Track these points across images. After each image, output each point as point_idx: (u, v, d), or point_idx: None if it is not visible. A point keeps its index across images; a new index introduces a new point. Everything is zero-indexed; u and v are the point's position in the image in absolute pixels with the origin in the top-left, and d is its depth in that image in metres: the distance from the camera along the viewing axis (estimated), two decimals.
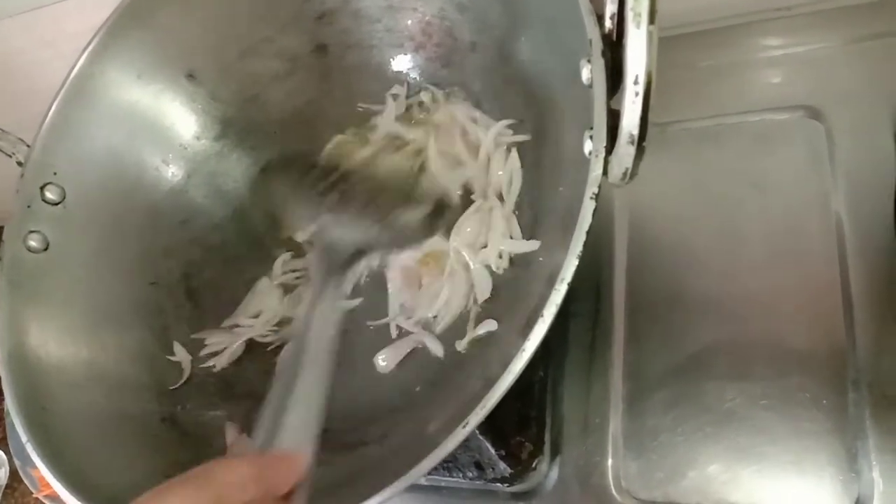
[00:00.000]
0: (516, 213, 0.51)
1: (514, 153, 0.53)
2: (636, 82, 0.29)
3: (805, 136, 0.54)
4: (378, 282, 0.56)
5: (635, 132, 0.30)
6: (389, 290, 0.55)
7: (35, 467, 0.65)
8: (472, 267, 0.52)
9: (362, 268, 0.53)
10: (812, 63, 0.57)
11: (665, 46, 0.59)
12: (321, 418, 0.36)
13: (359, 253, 0.47)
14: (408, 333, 0.53)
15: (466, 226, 0.53)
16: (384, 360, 0.53)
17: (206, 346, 0.56)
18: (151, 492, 0.27)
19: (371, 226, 0.49)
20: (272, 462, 0.32)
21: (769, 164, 0.54)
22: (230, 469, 0.29)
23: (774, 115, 0.56)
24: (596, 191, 0.33)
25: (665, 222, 0.56)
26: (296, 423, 0.34)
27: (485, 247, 0.52)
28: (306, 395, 0.36)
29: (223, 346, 0.56)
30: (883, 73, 0.54)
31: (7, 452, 0.75)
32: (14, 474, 0.74)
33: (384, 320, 0.54)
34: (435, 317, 0.53)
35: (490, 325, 0.49)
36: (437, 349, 0.51)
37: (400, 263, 0.54)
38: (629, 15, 0.28)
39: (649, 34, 0.28)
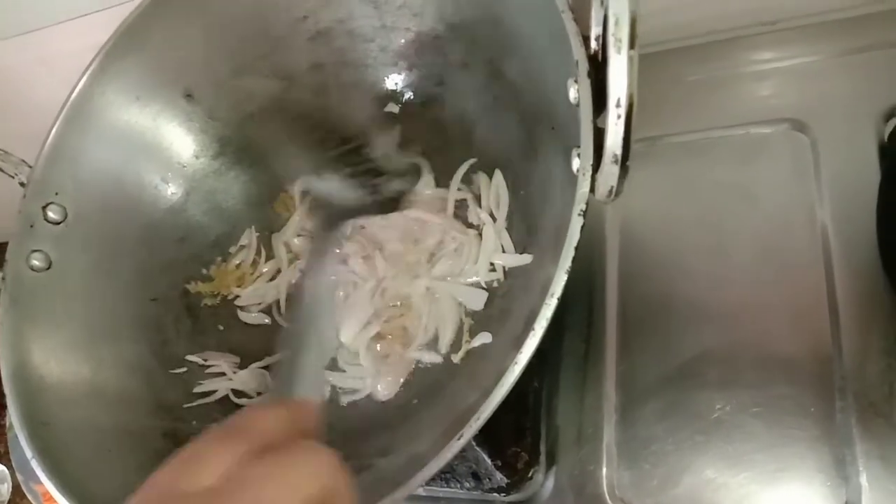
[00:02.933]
0: (508, 227, 0.53)
1: (498, 173, 0.54)
2: (618, 105, 0.30)
3: (791, 149, 0.55)
4: None
5: (619, 152, 0.32)
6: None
7: (38, 483, 0.66)
8: (453, 289, 0.54)
9: (350, 226, 0.58)
10: (797, 76, 0.58)
11: (653, 61, 0.61)
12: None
13: (350, 212, 0.52)
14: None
15: (441, 265, 0.55)
16: (384, 390, 0.53)
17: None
18: (192, 445, 0.28)
19: (362, 191, 0.53)
20: (296, 406, 0.33)
21: (756, 176, 0.55)
22: (265, 417, 0.30)
23: (760, 128, 0.57)
24: (584, 208, 0.34)
25: (655, 234, 0.57)
26: (308, 372, 0.37)
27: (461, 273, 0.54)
28: (316, 346, 0.38)
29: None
30: (867, 85, 0.55)
31: (9, 468, 0.75)
32: (17, 489, 0.74)
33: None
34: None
35: (485, 338, 0.50)
36: (434, 357, 0.53)
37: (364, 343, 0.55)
38: (610, 40, 0.29)
39: (630, 59, 0.29)
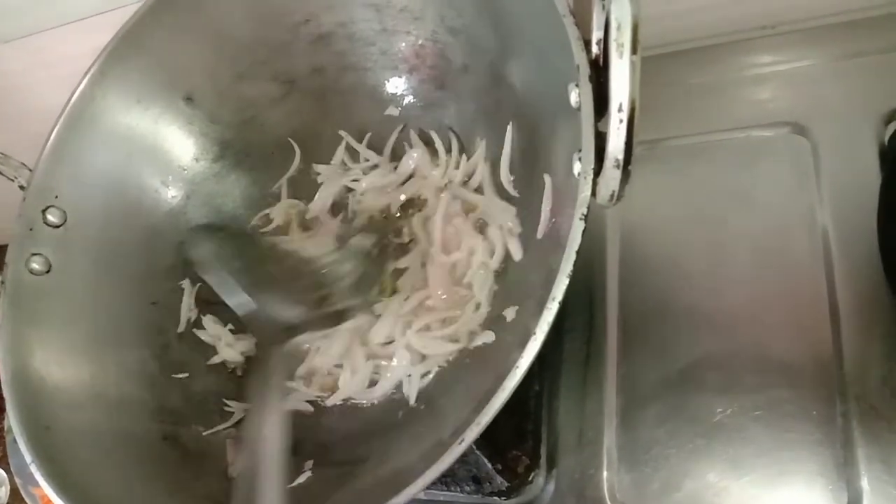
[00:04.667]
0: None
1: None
2: (620, 109, 0.30)
3: (791, 152, 0.55)
4: None
5: (621, 156, 0.32)
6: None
7: (37, 486, 0.66)
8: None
9: (295, 345, 0.54)
10: (797, 80, 0.58)
11: (654, 65, 0.60)
12: None
13: (290, 329, 0.48)
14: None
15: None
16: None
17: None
18: None
19: (298, 307, 0.50)
20: None
21: (756, 180, 0.55)
22: None
23: (761, 131, 0.57)
24: (585, 212, 0.34)
25: (655, 237, 0.57)
26: None
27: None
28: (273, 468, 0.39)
29: None
30: (867, 89, 0.55)
31: (7, 471, 0.75)
32: (15, 493, 0.74)
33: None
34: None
35: (487, 337, 0.50)
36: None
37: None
38: (612, 45, 0.29)
39: (632, 63, 0.29)
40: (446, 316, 0.53)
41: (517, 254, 0.51)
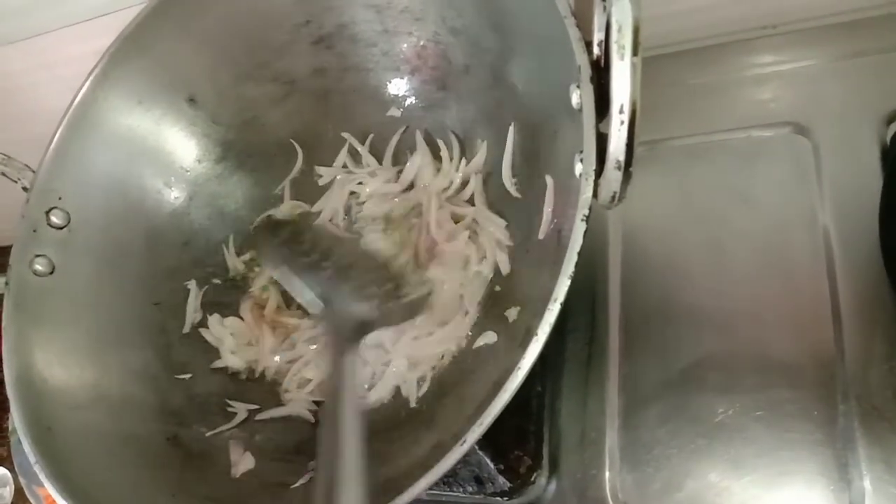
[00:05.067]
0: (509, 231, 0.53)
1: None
2: (621, 111, 0.30)
3: (792, 152, 0.55)
4: None
5: (622, 158, 0.32)
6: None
7: (41, 485, 0.66)
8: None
9: (369, 340, 0.51)
10: (799, 80, 0.58)
11: (655, 65, 0.61)
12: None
13: (363, 325, 0.46)
14: None
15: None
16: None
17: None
18: None
19: (371, 301, 0.47)
20: None
21: (757, 180, 0.55)
22: None
23: (762, 131, 0.57)
24: (587, 213, 0.34)
25: (657, 238, 0.57)
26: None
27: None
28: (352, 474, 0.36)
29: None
30: (869, 89, 0.55)
31: (12, 471, 0.76)
32: (19, 493, 0.74)
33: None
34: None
35: (489, 338, 0.50)
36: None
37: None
38: (613, 47, 0.29)
39: (633, 65, 0.29)
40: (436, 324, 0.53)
41: (505, 267, 0.52)
